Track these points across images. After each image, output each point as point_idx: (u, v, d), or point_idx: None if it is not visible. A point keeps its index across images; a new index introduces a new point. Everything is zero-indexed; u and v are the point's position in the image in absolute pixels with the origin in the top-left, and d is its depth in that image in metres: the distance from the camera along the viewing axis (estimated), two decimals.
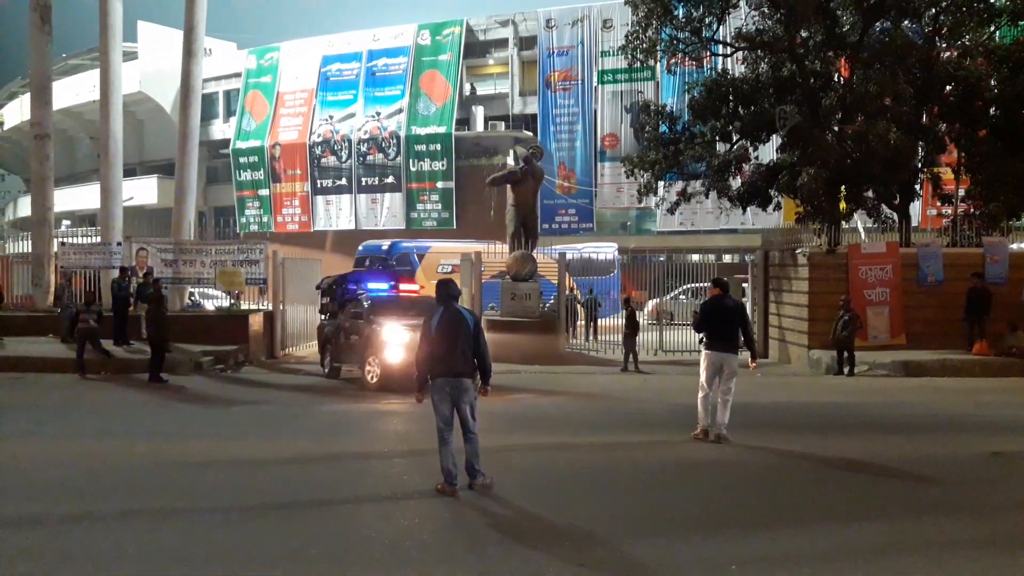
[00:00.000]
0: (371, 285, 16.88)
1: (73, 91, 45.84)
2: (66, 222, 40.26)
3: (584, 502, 6.91)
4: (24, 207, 45.49)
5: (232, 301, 19.28)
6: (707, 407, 9.13)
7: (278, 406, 12.44)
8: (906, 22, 19.18)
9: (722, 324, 9.20)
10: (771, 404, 12.34)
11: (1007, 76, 18.65)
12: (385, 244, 25.99)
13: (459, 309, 7.22)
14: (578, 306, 21.23)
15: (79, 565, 5.36)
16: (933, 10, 18.81)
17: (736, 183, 20.51)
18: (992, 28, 19.68)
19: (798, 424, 10.75)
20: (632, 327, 16.65)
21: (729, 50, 21.16)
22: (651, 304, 21.69)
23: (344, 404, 12.43)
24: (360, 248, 25.71)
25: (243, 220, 43.16)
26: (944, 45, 19.51)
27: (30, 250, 21.10)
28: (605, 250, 26.74)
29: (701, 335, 9.47)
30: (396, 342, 13.17)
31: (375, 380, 13.42)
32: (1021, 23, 19.51)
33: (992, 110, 19.28)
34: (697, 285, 21.81)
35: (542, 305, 18.30)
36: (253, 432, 10.19)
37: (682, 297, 22.84)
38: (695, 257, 30.42)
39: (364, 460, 8.48)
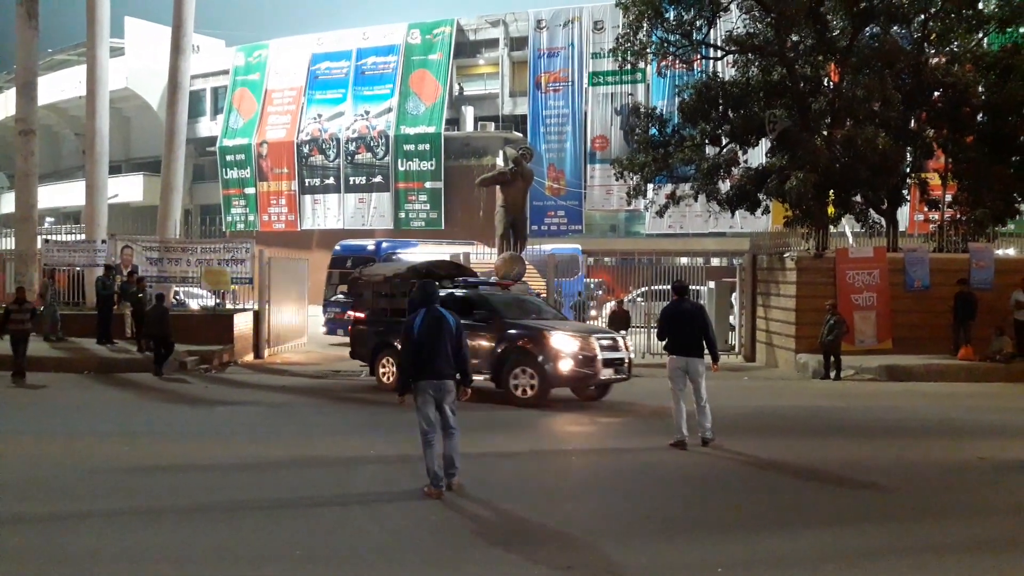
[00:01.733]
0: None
1: (59, 87, 45.45)
2: (50, 219, 39.95)
3: (571, 506, 6.90)
4: (7, 203, 45.04)
5: (217, 300, 19.14)
6: (681, 416, 8.99)
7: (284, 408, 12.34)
8: (895, 28, 19.26)
9: (683, 328, 9.17)
10: (757, 408, 12.36)
11: (995, 82, 18.76)
12: (370, 244, 25.55)
13: (441, 311, 7.18)
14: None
15: (65, 565, 5.32)
16: (922, 16, 18.90)
17: (725, 186, 20.52)
18: (980, 35, 19.80)
19: (784, 428, 10.76)
20: (621, 328, 16.64)
21: (719, 53, 21.19)
22: (608, 307, 21.02)
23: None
24: (337, 248, 24.63)
25: (229, 219, 42.94)
26: (933, 51, 19.61)
27: (13, 247, 20.86)
28: (569, 252, 26.40)
29: (664, 340, 9.42)
30: (568, 351, 11.91)
31: (530, 393, 11.91)
32: (1009, 30, 19.62)
33: (980, 116, 19.41)
34: (656, 287, 20.12)
35: None
36: (243, 433, 10.10)
37: (640, 300, 21.43)
38: (683, 260, 30.38)
39: (356, 464, 8.43)
